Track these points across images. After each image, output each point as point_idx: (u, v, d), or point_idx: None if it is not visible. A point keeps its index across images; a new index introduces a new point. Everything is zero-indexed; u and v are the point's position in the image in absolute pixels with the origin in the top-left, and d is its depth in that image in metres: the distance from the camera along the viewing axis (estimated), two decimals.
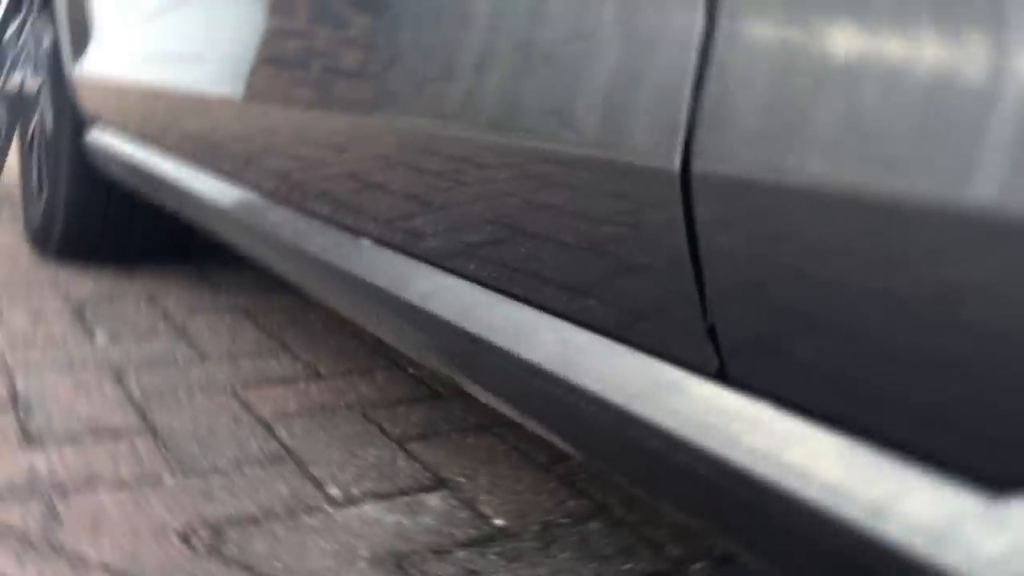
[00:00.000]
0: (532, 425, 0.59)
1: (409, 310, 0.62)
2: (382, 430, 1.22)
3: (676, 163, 0.36)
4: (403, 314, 0.63)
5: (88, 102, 1.53)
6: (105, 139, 1.52)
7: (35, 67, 2.11)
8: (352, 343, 1.57)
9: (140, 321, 1.57)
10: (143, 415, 1.19)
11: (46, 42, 1.93)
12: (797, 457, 0.34)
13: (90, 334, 1.48)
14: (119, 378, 1.31)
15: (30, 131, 2.13)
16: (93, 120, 1.53)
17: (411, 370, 1.47)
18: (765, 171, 0.34)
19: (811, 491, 0.33)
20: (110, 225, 1.78)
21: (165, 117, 1.17)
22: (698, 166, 0.35)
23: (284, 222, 0.93)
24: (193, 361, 1.41)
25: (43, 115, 1.90)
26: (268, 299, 1.80)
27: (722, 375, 0.36)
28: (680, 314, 0.36)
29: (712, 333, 0.36)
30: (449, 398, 1.36)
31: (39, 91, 2.03)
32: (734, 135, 0.34)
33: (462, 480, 1.10)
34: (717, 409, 0.36)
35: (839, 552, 0.33)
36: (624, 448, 0.41)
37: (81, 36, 1.48)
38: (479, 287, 0.57)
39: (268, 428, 1.19)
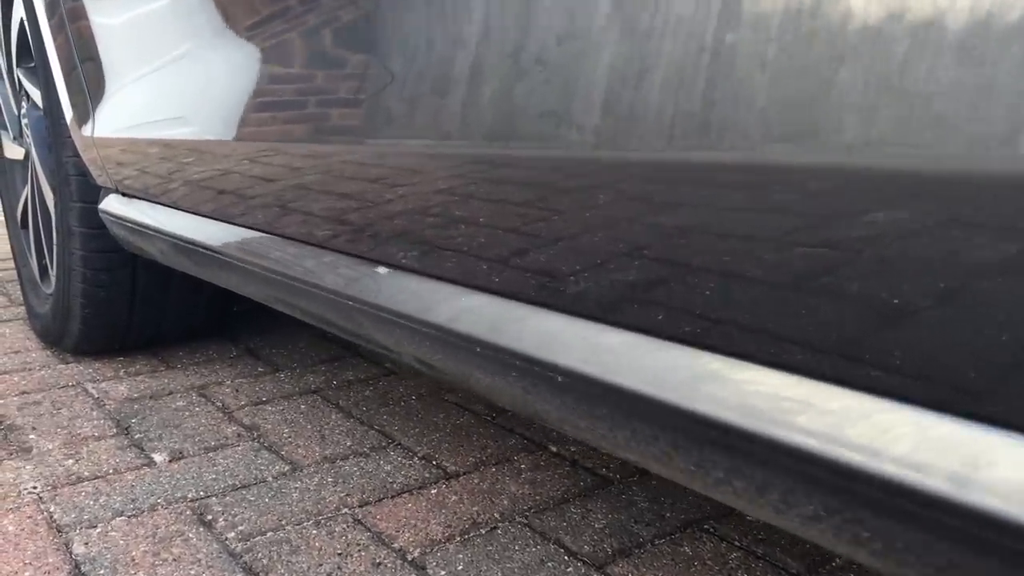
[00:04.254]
0: None
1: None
2: (567, 550, 0.90)
3: None
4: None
5: (105, 169, 1.19)
6: (130, 209, 1.18)
7: (16, 133, 1.75)
8: (464, 417, 1.25)
9: (200, 426, 1.23)
10: None
11: (26, 103, 1.57)
12: None
13: (145, 455, 1.14)
14: (203, 519, 0.97)
15: (20, 207, 1.77)
16: (115, 187, 1.18)
17: (553, 448, 1.15)
18: None
19: None
20: (138, 309, 1.44)
21: (220, 178, 0.84)
22: None
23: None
24: (285, 475, 1.07)
25: (38, 187, 1.54)
26: (338, 372, 1.46)
27: None
28: None
29: None
30: (623, 484, 1.04)
31: (25, 159, 1.68)
32: None
33: None
34: None
35: None
36: None
37: (89, 94, 1.13)
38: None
39: (421, 570, 0.86)
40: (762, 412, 0.35)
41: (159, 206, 1.04)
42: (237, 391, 1.37)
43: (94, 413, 1.28)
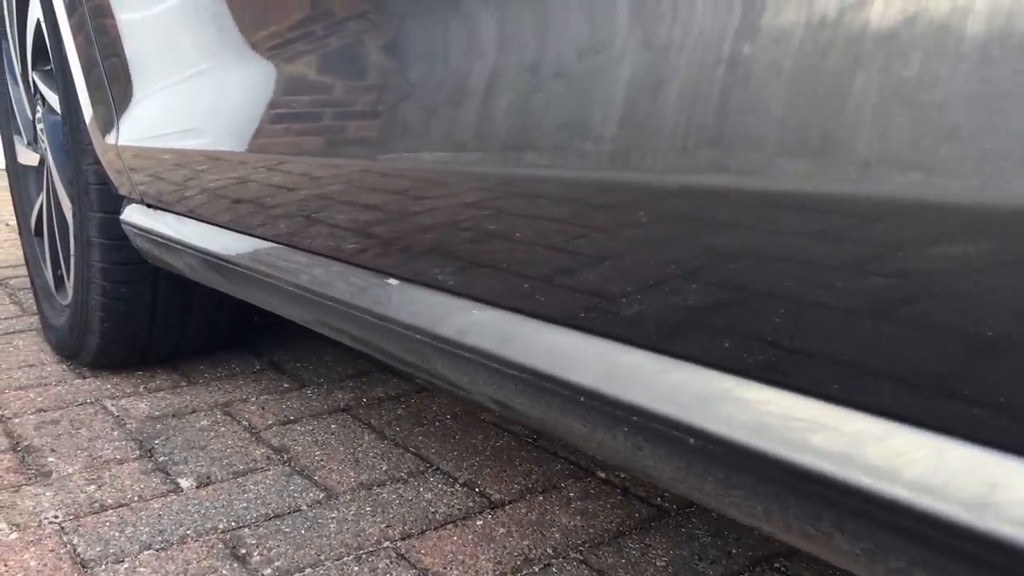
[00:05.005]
0: None
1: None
2: None
3: None
4: None
5: (129, 178, 1.13)
6: (156, 221, 1.12)
7: (30, 138, 1.69)
8: (504, 439, 1.19)
9: (226, 448, 1.17)
10: None
11: (41, 107, 1.51)
12: None
13: (171, 480, 1.08)
14: (236, 552, 0.91)
15: (34, 215, 1.71)
16: (139, 198, 1.12)
17: (601, 473, 1.09)
18: None
19: None
20: (159, 323, 1.38)
21: (262, 192, 0.78)
22: None
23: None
24: (320, 504, 1.01)
25: (54, 195, 1.48)
26: (367, 388, 1.40)
27: None
28: None
29: None
30: (681, 516, 0.98)
31: (40, 166, 1.62)
32: None
33: None
34: None
35: None
36: None
37: (114, 99, 1.06)
38: None
39: None
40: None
41: (189, 219, 0.98)
42: (263, 409, 1.31)
43: (115, 433, 1.22)
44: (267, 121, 0.75)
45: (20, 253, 2.49)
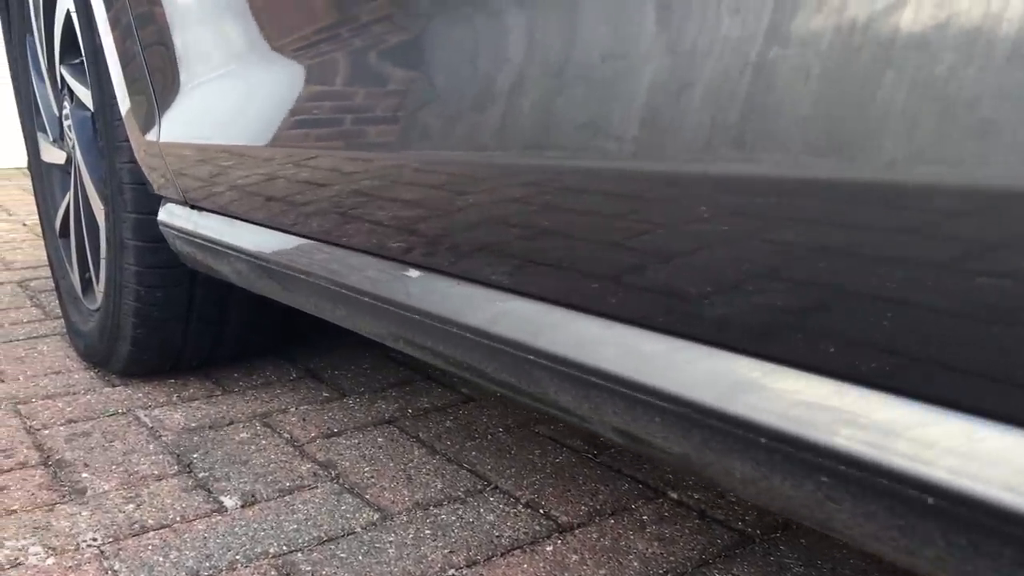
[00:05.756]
0: None
1: None
2: None
3: None
4: None
5: (172, 178, 1.06)
6: (199, 222, 1.05)
7: (56, 135, 1.63)
8: (563, 455, 1.11)
9: (269, 463, 1.10)
10: None
11: (69, 103, 1.44)
12: None
13: (214, 498, 1.01)
14: None
15: (59, 216, 1.64)
16: (182, 198, 1.05)
17: (673, 494, 1.02)
18: None
19: None
20: (193, 328, 1.31)
21: (338, 193, 0.70)
22: None
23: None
24: (375, 526, 0.94)
25: (83, 194, 1.41)
26: (411, 398, 1.33)
27: None
28: None
29: None
30: (767, 542, 0.91)
31: (67, 164, 1.55)
32: None
33: None
34: None
35: None
36: None
37: (155, 93, 0.99)
38: None
39: None
40: None
41: (238, 221, 0.91)
42: (304, 420, 1.24)
43: (151, 446, 1.15)
44: (350, 114, 0.68)
45: (39, 254, 2.43)
